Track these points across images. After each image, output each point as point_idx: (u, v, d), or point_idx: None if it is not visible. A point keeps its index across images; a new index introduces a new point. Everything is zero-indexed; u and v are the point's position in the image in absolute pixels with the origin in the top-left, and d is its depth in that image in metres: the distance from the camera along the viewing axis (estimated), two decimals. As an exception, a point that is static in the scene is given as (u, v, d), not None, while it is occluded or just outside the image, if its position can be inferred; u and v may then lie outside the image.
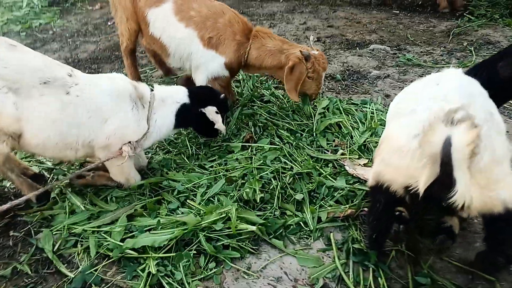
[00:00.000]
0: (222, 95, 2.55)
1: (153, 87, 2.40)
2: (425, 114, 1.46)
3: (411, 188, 1.43)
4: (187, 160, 2.60)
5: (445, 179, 1.29)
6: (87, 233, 2.07)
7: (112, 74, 2.28)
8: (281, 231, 2.07)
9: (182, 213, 2.14)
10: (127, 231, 2.05)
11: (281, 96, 3.28)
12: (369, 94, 3.40)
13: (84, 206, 2.25)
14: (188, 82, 3.19)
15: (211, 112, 2.43)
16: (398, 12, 5.37)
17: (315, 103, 3.11)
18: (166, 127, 2.38)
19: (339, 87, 3.51)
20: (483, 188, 1.36)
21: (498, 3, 5.05)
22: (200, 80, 2.87)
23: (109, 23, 5.37)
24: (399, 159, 1.48)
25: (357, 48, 4.31)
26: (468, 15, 4.85)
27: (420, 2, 5.63)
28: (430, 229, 2.05)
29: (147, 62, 4.13)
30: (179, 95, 2.43)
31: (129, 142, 2.20)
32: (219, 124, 2.47)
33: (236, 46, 2.73)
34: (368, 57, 4.10)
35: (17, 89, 1.93)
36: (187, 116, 2.44)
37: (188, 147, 2.72)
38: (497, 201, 1.39)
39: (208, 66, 2.80)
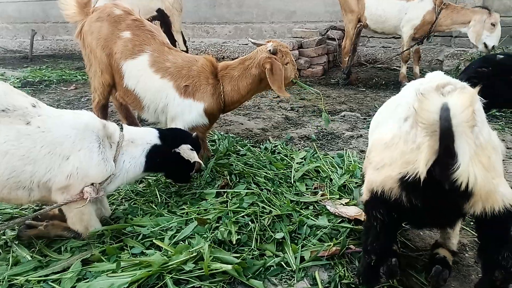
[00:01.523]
0: (194, 134, 2.46)
1: (122, 127, 2.29)
2: (410, 100, 1.41)
3: (409, 177, 1.29)
4: (155, 208, 2.37)
5: (446, 152, 1.17)
6: (31, 283, 1.74)
7: (81, 110, 2.18)
8: (260, 271, 1.81)
9: (147, 255, 1.87)
10: (80, 277, 1.74)
11: (257, 151, 3.23)
12: (344, 150, 3.39)
13: (30, 256, 1.93)
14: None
15: (185, 150, 2.30)
16: (364, 89, 5.75)
17: (292, 156, 3.05)
18: (134, 169, 2.20)
19: (315, 145, 3.50)
20: (486, 170, 1.24)
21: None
22: None
23: (82, 100, 5.41)
24: (391, 151, 1.37)
25: (329, 115, 4.45)
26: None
27: (383, 82, 6.09)
28: (423, 264, 1.87)
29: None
30: (150, 136, 2.30)
31: (92, 184, 1.99)
32: (196, 158, 2.32)
33: (212, 89, 2.75)
34: (340, 121, 4.22)
35: None
36: (158, 158, 2.28)
37: (157, 195, 2.51)
38: (498, 195, 1.27)
39: (185, 115, 2.75)
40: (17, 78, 6.25)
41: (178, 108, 2.76)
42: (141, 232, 2.06)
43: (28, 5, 9.73)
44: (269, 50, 2.73)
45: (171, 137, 2.36)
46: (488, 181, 1.24)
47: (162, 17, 6.45)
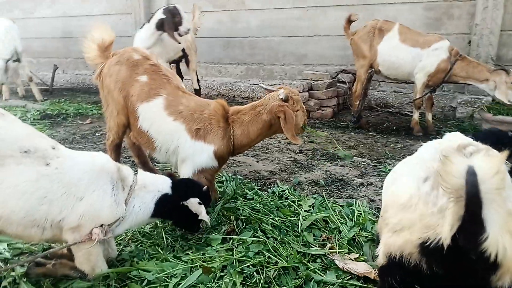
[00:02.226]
0: (205, 187, 2.49)
1: (137, 171, 2.33)
2: (429, 158, 1.38)
3: (430, 243, 1.23)
4: (161, 251, 2.35)
5: (473, 220, 1.10)
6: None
7: (97, 152, 2.23)
8: (265, 329, 1.76)
9: (150, 304, 1.83)
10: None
11: (264, 195, 3.22)
12: (354, 198, 3.36)
13: (35, 297, 1.92)
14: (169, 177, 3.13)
15: (193, 204, 2.33)
16: (374, 134, 5.77)
17: (300, 202, 3.03)
18: (143, 214, 2.23)
19: (323, 192, 3.48)
20: None
21: (466, 129, 5.52)
22: (185, 173, 2.82)
23: (96, 134, 5.52)
24: (410, 213, 1.31)
25: (339, 160, 4.46)
26: (439, 137, 5.22)
27: (394, 127, 6.11)
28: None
29: (129, 165, 4.11)
30: (163, 184, 2.35)
31: (101, 225, 2.01)
32: (203, 215, 2.34)
33: (222, 132, 2.80)
34: (350, 167, 4.21)
35: None
36: (167, 207, 2.31)
37: (163, 238, 2.50)
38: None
39: (195, 157, 2.79)
40: (37, 111, 6.46)
41: (189, 150, 2.80)
42: (146, 277, 2.04)
43: (52, 42, 10.22)
44: (281, 98, 2.79)
45: (182, 188, 2.39)
46: None
47: (186, 57, 6.72)
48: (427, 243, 1.25)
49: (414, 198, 1.35)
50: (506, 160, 1.21)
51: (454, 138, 1.59)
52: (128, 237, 2.54)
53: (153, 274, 2.05)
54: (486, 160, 1.14)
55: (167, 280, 2.03)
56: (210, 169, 2.84)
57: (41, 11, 10.18)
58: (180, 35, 5.87)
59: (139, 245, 2.43)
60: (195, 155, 2.79)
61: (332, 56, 7.52)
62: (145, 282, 2.01)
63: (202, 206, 2.35)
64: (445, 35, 5.73)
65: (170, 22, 5.73)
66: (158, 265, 2.14)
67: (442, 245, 1.20)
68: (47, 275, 2.09)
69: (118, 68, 2.97)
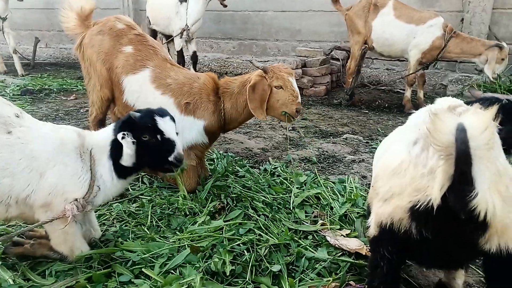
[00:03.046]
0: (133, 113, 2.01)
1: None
2: (420, 122, 1.32)
3: (420, 206, 1.19)
4: (147, 231, 2.27)
5: (462, 177, 1.06)
6: (7, 312, 1.63)
7: (63, 125, 2.04)
8: (254, 308, 1.71)
9: (136, 285, 1.76)
10: (61, 307, 1.63)
11: (256, 173, 3.13)
12: (345, 175, 3.30)
13: (13, 280, 1.83)
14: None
15: (126, 142, 1.91)
16: (367, 111, 5.69)
17: (291, 179, 2.96)
18: (108, 177, 1.97)
19: (315, 169, 3.41)
20: (504, 200, 1.12)
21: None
22: None
23: (81, 110, 5.35)
24: (400, 178, 1.27)
25: (331, 137, 4.38)
26: (431, 114, 5.16)
27: (386, 105, 6.03)
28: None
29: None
30: (109, 133, 2.00)
31: (76, 200, 1.85)
32: (125, 151, 1.91)
33: (213, 107, 2.67)
34: (342, 144, 4.14)
35: None
36: (117, 154, 1.95)
37: (149, 217, 2.41)
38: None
39: (185, 134, 2.66)
40: (17, 86, 6.19)
41: (178, 125, 2.67)
42: (131, 258, 1.95)
43: (33, 13, 9.76)
44: (259, 67, 2.63)
45: (117, 127, 1.99)
46: (505, 214, 1.14)
47: None
48: (417, 206, 1.21)
49: (404, 163, 1.31)
50: (498, 125, 1.17)
51: (445, 102, 1.53)
52: (112, 217, 2.45)
53: (138, 255, 1.96)
54: (476, 117, 1.10)
55: (153, 260, 1.95)
56: (200, 146, 2.74)
57: (22, -18, 9.73)
58: None
59: (123, 225, 2.34)
60: (184, 131, 2.66)
61: (326, 33, 7.34)
62: (130, 263, 1.93)
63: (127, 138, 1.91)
64: (438, 12, 5.60)
65: None
66: (144, 245, 2.05)
67: (432, 207, 1.16)
68: (25, 255, 1.99)
69: (101, 38, 2.80)
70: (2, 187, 1.73)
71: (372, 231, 1.45)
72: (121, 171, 1.99)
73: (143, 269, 1.86)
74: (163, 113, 2.01)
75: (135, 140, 1.91)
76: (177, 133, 2.04)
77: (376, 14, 5.44)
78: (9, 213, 1.81)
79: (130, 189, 2.83)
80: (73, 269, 1.93)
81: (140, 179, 3.02)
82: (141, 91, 2.72)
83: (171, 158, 1.96)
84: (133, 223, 2.36)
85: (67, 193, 1.85)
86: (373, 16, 5.45)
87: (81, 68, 3.06)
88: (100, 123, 3.09)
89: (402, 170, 1.32)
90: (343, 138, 4.32)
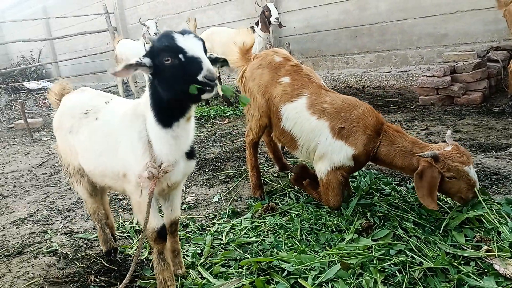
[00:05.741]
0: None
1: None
2: None
3: None
4: (298, 244, 2.42)
5: None
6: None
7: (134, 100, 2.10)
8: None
9: (291, 295, 1.91)
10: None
11: (403, 191, 3.00)
12: (516, 195, 2.87)
13: (191, 278, 2.20)
14: (303, 170, 3.19)
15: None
16: (539, 119, 4.82)
17: (446, 199, 2.74)
18: (155, 133, 1.85)
19: (475, 188, 3.07)
20: None
21: None
22: (322, 168, 2.81)
23: (234, 133, 6.00)
24: None
25: (493, 151, 3.86)
26: None
27: None
28: None
29: (264, 161, 4.35)
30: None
31: (151, 166, 1.82)
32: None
33: (366, 140, 2.65)
34: (509, 159, 3.61)
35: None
36: (157, 89, 1.78)
37: (298, 231, 2.56)
38: None
39: (333, 156, 2.74)
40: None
41: (328, 147, 2.75)
42: (286, 268, 2.12)
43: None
44: (429, 155, 2.42)
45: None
46: None
47: None
48: None
49: None
50: None
51: None
52: (266, 228, 2.69)
53: (292, 265, 2.12)
54: None
55: (306, 272, 2.08)
56: (347, 167, 2.77)
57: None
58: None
59: (277, 237, 2.55)
60: (333, 153, 2.73)
61: (479, 33, 6.55)
62: (285, 272, 2.09)
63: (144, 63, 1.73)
64: None
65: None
66: (297, 256, 2.20)
67: None
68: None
69: (261, 72, 3.08)
70: (100, 165, 2.07)
71: None
72: (162, 117, 1.80)
73: (298, 280, 2.00)
74: (184, 31, 1.73)
75: (150, 63, 1.72)
76: (205, 51, 1.73)
77: (547, 2, 4.62)
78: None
79: (280, 204, 3.07)
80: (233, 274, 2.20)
81: (287, 195, 3.24)
82: (298, 117, 2.87)
83: (200, 78, 1.62)
84: (285, 235, 2.55)
85: (132, 165, 1.89)
86: (542, 6, 4.65)
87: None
88: (255, 145, 3.38)
89: None
90: (510, 152, 3.76)
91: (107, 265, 2.51)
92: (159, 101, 1.79)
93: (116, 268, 2.47)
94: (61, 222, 3.35)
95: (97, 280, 2.36)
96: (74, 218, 3.42)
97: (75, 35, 12.35)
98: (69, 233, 3.08)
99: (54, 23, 15.66)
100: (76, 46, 15.05)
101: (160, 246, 2.03)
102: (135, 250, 2.30)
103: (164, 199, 2.17)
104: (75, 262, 2.59)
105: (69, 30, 13.98)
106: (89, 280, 2.35)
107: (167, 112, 1.80)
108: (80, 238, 2.96)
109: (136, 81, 9.43)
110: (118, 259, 2.57)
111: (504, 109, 5.25)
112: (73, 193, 4.00)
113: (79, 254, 2.70)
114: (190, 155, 1.98)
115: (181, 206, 3.29)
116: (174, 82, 1.69)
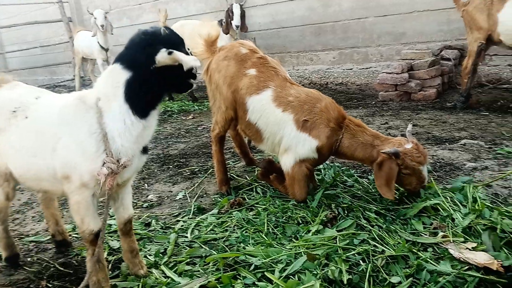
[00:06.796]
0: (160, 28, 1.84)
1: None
2: None
3: None
4: (265, 237, 2.44)
5: None
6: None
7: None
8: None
9: (259, 287, 1.92)
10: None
11: (365, 183, 3.11)
12: (466, 184, 3.04)
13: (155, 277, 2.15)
14: (270, 164, 3.21)
15: (163, 56, 1.73)
16: (487, 113, 5.14)
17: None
18: (125, 118, 1.77)
19: (431, 178, 3.23)
20: None
21: None
22: (286, 161, 2.84)
23: (199, 128, 5.93)
24: None
25: (446, 143, 4.08)
26: None
27: (511, 105, 5.36)
28: None
29: (230, 156, 4.33)
30: (116, 72, 1.79)
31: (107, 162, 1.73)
32: (186, 60, 1.76)
33: (329, 132, 2.71)
34: (460, 151, 3.83)
35: None
36: (140, 86, 1.76)
37: (265, 225, 2.58)
38: None
39: (298, 148, 2.78)
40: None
41: (293, 140, 2.78)
42: (253, 262, 2.13)
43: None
44: (387, 152, 2.53)
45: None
46: None
47: None
48: None
49: None
50: None
51: None
52: (233, 224, 2.68)
53: (259, 259, 2.13)
54: None
55: (273, 265, 2.10)
56: (311, 160, 2.82)
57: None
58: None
59: (244, 231, 2.55)
60: (298, 146, 2.77)
61: (434, 32, 6.87)
62: (252, 267, 2.10)
63: (178, 52, 1.75)
64: None
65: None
66: (264, 250, 2.21)
67: None
68: None
69: (227, 64, 3.04)
70: (33, 167, 1.90)
71: None
72: (141, 108, 1.78)
73: (265, 273, 2.01)
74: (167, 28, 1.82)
75: None
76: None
77: (502, 4, 4.87)
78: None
79: (247, 198, 3.07)
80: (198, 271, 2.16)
81: (254, 189, 3.25)
82: (263, 109, 2.88)
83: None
84: (251, 230, 2.56)
85: (78, 163, 1.77)
86: (498, 7, 4.90)
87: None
88: (221, 139, 3.34)
89: None
90: (461, 144, 3.99)
91: (62, 268, 2.38)
92: (143, 93, 1.78)
93: (71, 272, 2.35)
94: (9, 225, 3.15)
95: (50, 285, 2.22)
96: (24, 220, 3.22)
97: (24, 25, 11.43)
98: (18, 237, 2.88)
99: (0, 11, 14.58)
100: (26, 36, 14.01)
101: (95, 248, 1.91)
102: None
103: (114, 199, 2.05)
104: (24, 267, 2.43)
105: (18, 19, 12.90)
106: (40, 286, 2.21)
107: (147, 102, 1.81)
108: (31, 242, 2.79)
109: (95, 75, 9.03)
110: (74, 261, 2.45)
111: (456, 104, 5.56)
112: (22, 193, 3.78)
113: (29, 259, 2.54)
114: (144, 149, 1.96)
115: (142, 204, 3.24)
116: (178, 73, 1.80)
